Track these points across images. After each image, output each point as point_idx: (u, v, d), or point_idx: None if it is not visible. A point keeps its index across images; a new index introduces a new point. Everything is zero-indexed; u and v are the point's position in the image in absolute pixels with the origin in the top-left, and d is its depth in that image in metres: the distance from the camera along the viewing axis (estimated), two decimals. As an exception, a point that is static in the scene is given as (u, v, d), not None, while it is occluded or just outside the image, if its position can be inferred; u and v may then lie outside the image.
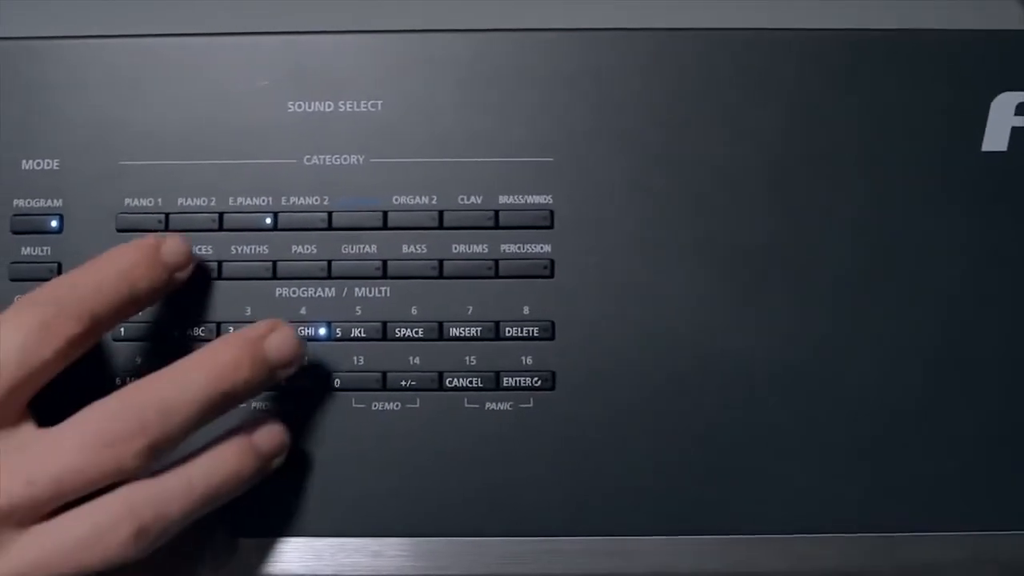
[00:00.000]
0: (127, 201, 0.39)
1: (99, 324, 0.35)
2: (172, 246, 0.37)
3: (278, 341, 0.36)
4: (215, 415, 0.35)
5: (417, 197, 0.39)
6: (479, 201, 0.39)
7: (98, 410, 0.34)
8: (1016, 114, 0.38)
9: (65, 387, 0.35)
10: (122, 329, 0.38)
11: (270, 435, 0.37)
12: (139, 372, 0.38)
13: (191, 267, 0.38)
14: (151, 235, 0.37)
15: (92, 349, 0.35)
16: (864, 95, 0.39)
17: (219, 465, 0.35)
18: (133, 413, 0.33)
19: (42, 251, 0.39)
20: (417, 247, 0.39)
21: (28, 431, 0.34)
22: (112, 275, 0.35)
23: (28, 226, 0.39)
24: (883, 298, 0.38)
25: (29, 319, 0.33)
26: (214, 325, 0.38)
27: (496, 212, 0.39)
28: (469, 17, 0.42)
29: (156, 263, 0.36)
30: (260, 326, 0.36)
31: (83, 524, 0.33)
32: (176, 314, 0.39)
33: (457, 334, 0.38)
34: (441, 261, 0.39)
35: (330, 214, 0.39)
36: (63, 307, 0.34)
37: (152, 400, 0.34)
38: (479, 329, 0.38)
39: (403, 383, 0.38)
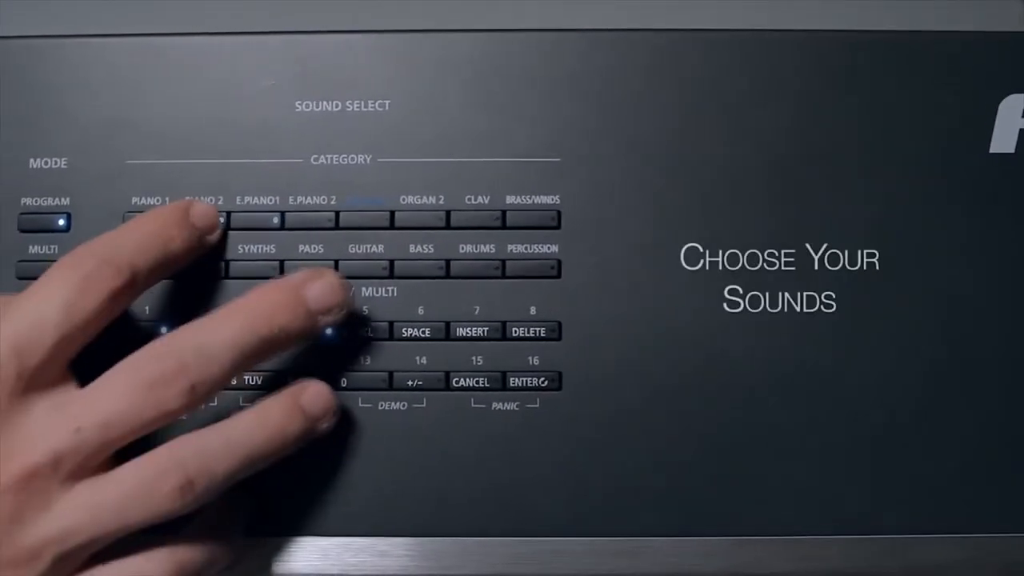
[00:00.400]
0: (134, 200, 0.39)
1: (138, 278, 0.35)
2: (200, 210, 0.37)
3: (319, 288, 0.36)
4: (255, 360, 0.35)
5: (424, 197, 0.39)
6: (486, 201, 0.39)
7: (137, 356, 0.34)
8: (1024, 116, 0.39)
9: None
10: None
11: (318, 396, 0.37)
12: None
13: (220, 232, 0.38)
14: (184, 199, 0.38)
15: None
16: (870, 96, 0.39)
17: (264, 422, 0.35)
18: (172, 355, 0.34)
19: (50, 249, 0.39)
20: (424, 247, 0.39)
21: (70, 389, 0.34)
22: (147, 233, 0.36)
23: (36, 224, 0.39)
24: (888, 299, 0.38)
25: (71, 274, 0.34)
26: (221, 324, 0.38)
27: (503, 212, 0.39)
28: (477, 17, 0.42)
29: (187, 224, 0.37)
30: (302, 273, 0.36)
31: (129, 478, 0.33)
32: (183, 313, 0.39)
33: (464, 334, 0.38)
34: (448, 261, 0.39)
35: (337, 214, 0.39)
36: (104, 260, 0.34)
37: (190, 343, 0.34)
38: (486, 329, 0.38)
39: (410, 383, 0.38)
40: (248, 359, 0.35)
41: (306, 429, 0.36)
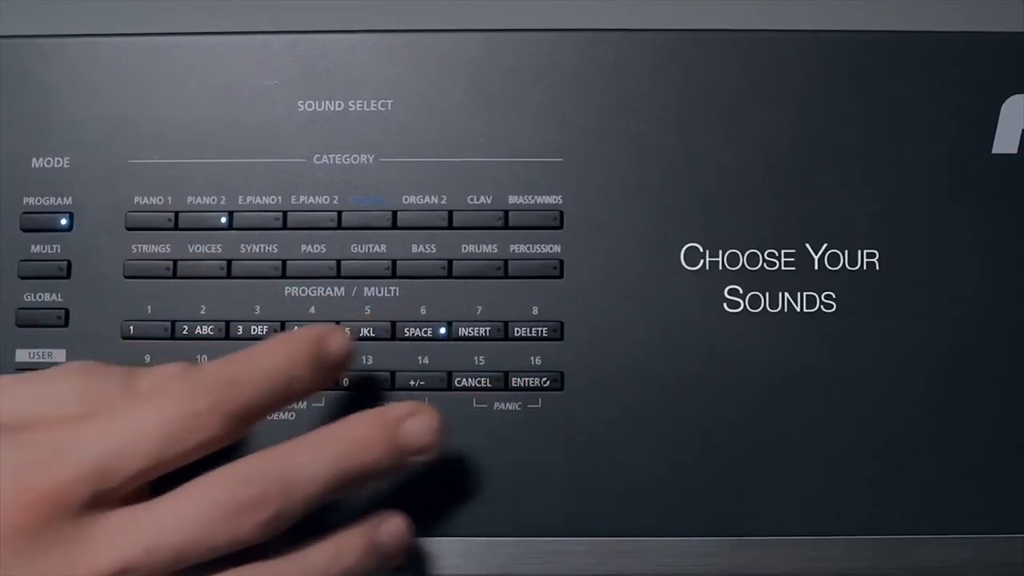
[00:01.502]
0: (137, 199, 0.39)
1: (246, 426, 0.33)
2: (336, 345, 0.35)
3: (417, 426, 0.35)
4: (341, 493, 0.34)
5: (427, 197, 0.39)
6: (488, 201, 0.39)
7: (221, 477, 0.32)
8: (1027, 117, 0.39)
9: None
10: (131, 327, 0.38)
11: (395, 535, 0.35)
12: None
13: (351, 365, 0.36)
14: (315, 328, 0.35)
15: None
16: (871, 97, 0.39)
17: (339, 559, 0.34)
18: (256, 484, 0.32)
19: (52, 249, 0.39)
20: (426, 247, 0.39)
21: (144, 502, 0.32)
22: (273, 373, 0.34)
23: (38, 224, 0.39)
24: (888, 299, 0.38)
25: (180, 407, 0.32)
26: (223, 324, 0.38)
27: (505, 212, 0.39)
28: (479, 17, 0.42)
29: (317, 364, 0.34)
30: (402, 407, 0.35)
31: None
32: (185, 313, 0.39)
33: (466, 334, 0.38)
34: (450, 261, 0.39)
35: (340, 213, 0.39)
36: (217, 404, 0.32)
37: (277, 472, 0.33)
38: (488, 329, 0.38)
39: (412, 383, 0.38)
40: (332, 493, 0.33)
41: (379, 568, 0.34)
